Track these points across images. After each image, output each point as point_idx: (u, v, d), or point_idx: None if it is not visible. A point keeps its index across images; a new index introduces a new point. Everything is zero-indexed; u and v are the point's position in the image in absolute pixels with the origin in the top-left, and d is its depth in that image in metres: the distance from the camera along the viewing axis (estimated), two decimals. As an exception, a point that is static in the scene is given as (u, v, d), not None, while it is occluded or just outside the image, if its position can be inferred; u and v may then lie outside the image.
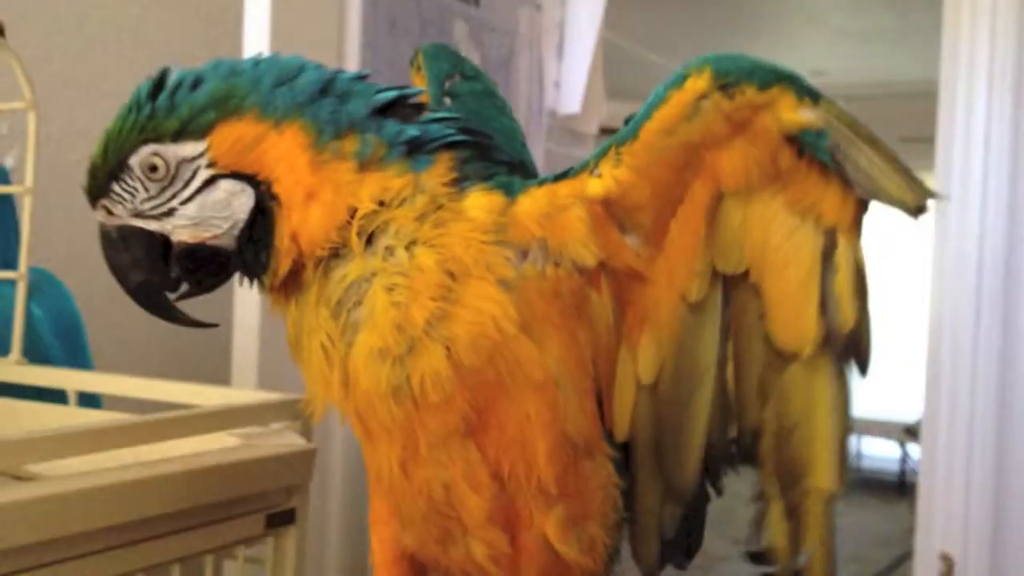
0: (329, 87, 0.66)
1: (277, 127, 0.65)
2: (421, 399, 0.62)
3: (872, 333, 0.65)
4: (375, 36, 1.58)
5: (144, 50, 1.70)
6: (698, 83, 0.63)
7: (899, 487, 6.57)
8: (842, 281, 0.65)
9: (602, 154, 0.66)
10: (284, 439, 0.86)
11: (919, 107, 5.78)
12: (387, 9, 1.60)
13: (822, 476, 0.65)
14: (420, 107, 0.70)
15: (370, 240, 0.64)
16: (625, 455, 0.71)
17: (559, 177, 0.67)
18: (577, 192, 0.66)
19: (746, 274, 0.68)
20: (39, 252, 1.35)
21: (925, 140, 5.90)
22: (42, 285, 1.19)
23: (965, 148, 2.30)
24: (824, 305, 0.65)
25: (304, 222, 0.65)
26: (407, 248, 0.63)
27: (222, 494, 0.78)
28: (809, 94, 0.63)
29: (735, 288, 0.68)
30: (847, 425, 0.66)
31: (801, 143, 0.64)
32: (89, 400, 1.09)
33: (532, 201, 0.66)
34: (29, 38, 1.53)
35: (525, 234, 0.65)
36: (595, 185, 0.66)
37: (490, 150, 0.69)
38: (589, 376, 0.68)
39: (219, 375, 1.54)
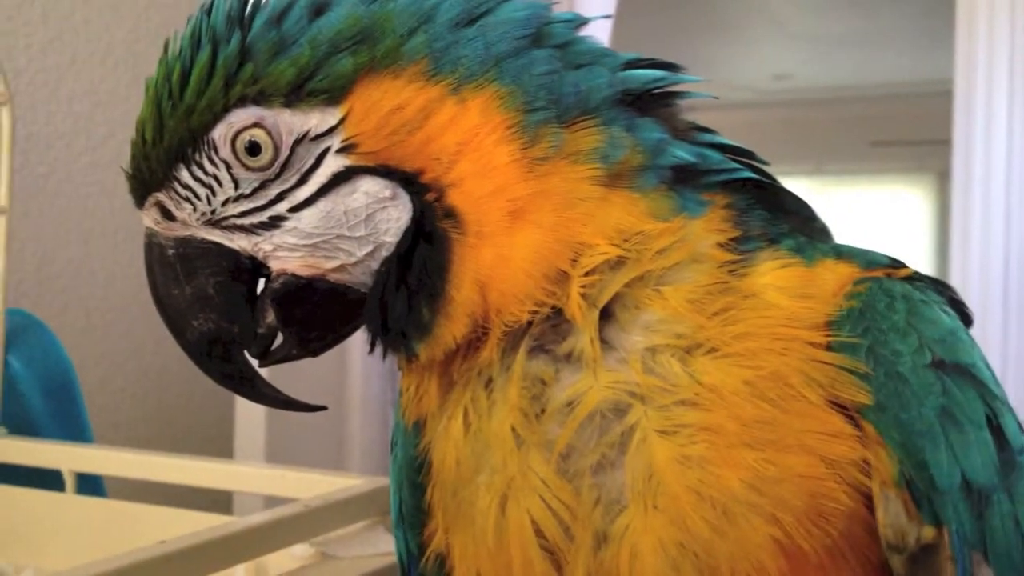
0: (543, 34, 0.44)
1: (458, 93, 0.42)
2: None
3: None
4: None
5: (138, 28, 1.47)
6: None
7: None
8: None
9: None
10: (375, 544, 0.66)
11: (886, 110, 5.78)
12: None
13: None
14: (669, 104, 0.46)
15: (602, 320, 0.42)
16: None
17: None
18: None
19: None
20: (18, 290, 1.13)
21: (897, 144, 5.87)
22: (23, 331, 0.96)
23: (986, 151, 2.25)
24: None
25: (504, 259, 0.41)
26: (682, 359, 0.41)
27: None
28: None
29: None
30: None
31: None
32: (89, 480, 0.88)
33: (836, 279, 0.44)
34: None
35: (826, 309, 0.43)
36: None
37: (779, 193, 0.47)
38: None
39: (214, 440, 1.33)
